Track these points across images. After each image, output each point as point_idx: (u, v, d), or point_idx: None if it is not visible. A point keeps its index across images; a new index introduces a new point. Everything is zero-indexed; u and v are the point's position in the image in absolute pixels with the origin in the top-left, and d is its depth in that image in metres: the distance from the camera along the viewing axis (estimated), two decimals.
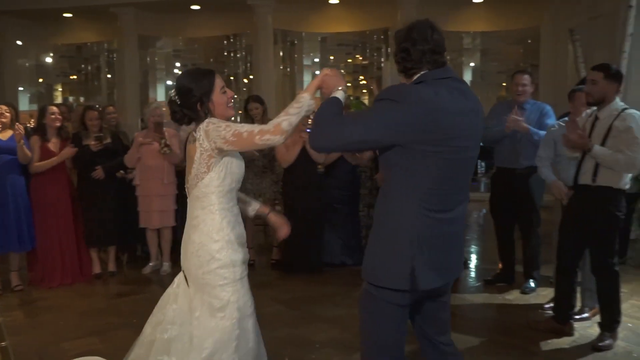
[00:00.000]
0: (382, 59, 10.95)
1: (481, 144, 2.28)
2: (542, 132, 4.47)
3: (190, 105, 2.36)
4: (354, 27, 10.58)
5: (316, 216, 5.40)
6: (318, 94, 2.32)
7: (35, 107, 11.13)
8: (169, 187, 5.43)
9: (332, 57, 11.31)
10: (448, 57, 2.20)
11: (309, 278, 5.05)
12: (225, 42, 11.55)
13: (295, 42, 11.25)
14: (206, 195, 2.35)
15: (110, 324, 4.17)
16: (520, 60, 10.43)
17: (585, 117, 3.72)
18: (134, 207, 5.48)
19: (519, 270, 4.88)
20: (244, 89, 11.21)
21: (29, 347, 3.72)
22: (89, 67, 12.13)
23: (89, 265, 5.42)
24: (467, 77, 10.71)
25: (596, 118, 3.58)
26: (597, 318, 3.80)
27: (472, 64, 11.00)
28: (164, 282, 5.31)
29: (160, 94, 11.69)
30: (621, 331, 3.70)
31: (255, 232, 6.01)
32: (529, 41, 10.29)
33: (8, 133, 4.94)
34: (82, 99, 12.08)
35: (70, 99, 12.26)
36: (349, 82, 10.94)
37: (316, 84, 2.26)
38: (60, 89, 12.43)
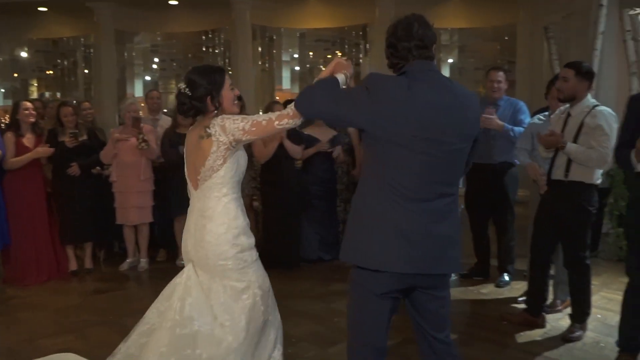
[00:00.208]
0: (361, 55, 10.99)
1: None
2: (517, 128, 4.54)
3: (200, 98, 2.49)
4: (332, 23, 10.58)
5: (294, 212, 5.42)
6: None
7: (10, 102, 10.95)
8: (146, 183, 5.41)
9: (311, 53, 11.31)
10: None
11: (286, 273, 5.07)
12: (203, 37, 11.47)
13: (274, 37, 11.22)
14: (221, 185, 2.50)
15: (86, 321, 4.15)
16: (497, 57, 10.52)
17: (559, 113, 3.79)
18: (111, 204, 5.44)
19: (494, 265, 4.96)
20: None
21: (3, 345, 3.69)
22: (65, 62, 11.96)
23: (65, 263, 5.37)
24: (445, 73, 10.76)
25: (568, 115, 3.65)
26: (569, 310, 3.89)
27: (450, 60, 11.08)
28: (142, 279, 5.32)
29: (138, 90, 11.58)
30: (591, 322, 3.79)
31: None
32: (506, 38, 10.39)
33: None
34: (58, 95, 11.92)
35: (47, 94, 12.09)
36: None
37: (330, 69, 2.37)
38: (36, 84, 12.24)
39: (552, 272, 4.08)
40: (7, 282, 5.13)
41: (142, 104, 6.70)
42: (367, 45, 10.67)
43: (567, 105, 3.70)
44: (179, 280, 2.57)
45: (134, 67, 11.72)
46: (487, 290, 4.72)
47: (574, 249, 3.67)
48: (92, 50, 11.31)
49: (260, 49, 11.05)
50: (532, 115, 4.65)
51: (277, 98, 10.13)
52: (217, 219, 2.49)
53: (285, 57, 11.28)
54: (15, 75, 12.10)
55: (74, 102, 8.84)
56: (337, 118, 2.26)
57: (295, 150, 5.40)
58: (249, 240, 2.56)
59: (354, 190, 2.31)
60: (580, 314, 3.73)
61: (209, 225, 2.49)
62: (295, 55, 11.32)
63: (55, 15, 10.87)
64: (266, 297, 2.60)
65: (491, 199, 4.76)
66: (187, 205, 5.53)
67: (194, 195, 2.58)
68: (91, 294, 4.89)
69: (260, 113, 5.30)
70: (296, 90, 11.20)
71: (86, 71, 11.76)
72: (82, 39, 11.60)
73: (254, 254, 2.58)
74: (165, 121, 5.82)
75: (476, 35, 10.59)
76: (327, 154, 5.62)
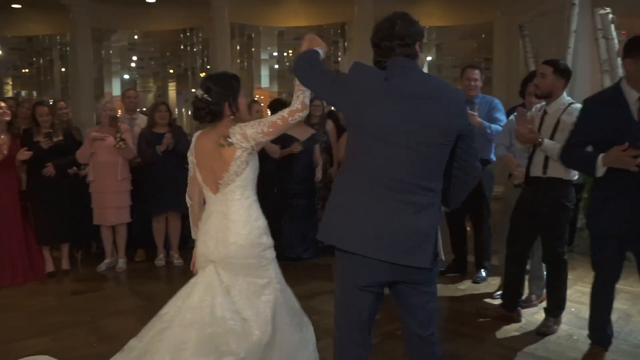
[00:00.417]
0: (340, 53, 11.01)
1: None
2: (494, 126, 4.59)
3: (219, 104, 2.61)
4: (311, 21, 10.58)
5: (274, 211, 5.42)
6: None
7: None
8: (123, 183, 5.38)
9: (290, 51, 11.29)
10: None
11: None
12: (181, 35, 11.39)
13: (253, 36, 11.18)
14: (243, 188, 2.65)
15: (63, 322, 4.11)
16: (474, 55, 10.62)
17: (535, 111, 3.84)
18: (88, 204, 5.39)
19: (471, 261, 5.02)
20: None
21: None
22: (41, 61, 11.77)
23: (42, 264, 5.31)
24: (424, 70, 10.84)
25: (545, 112, 3.69)
26: (544, 304, 3.95)
27: (428, 58, 11.14)
28: (120, 279, 5.28)
29: (115, 88, 11.44)
30: (565, 316, 3.86)
31: None
32: (483, 36, 10.49)
33: None
34: (34, 94, 11.75)
35: (23, 93, 11.90)
36: None
37: (306, 46, 2.50)
38: (11, 83, 12.04)
39: (527, 267, 4.14)
40: None
41: (118, 102, 6.65)
42: (346, 43, 10.69)
43: (543, 103, 3.75)
44: (200, 280, 2.66)
45: (112, 66, 11.58)
46: (465, 286, 4.78)
47: (552, 244, 3.72)
48: (68, 49, 11.16)
49: (238, 47, 11.00)
50: (508, 112, 4.71)
51: (257, 97, 10.12)
52: (241, 220, 2.63)
53: (264, 56, 11.24)
54: None
55: (51, 101, 8.73)
56: (323, 97, 2.49)
57: (272, 149, 5.40)
58: (269, 239, 2.72)
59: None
60: (555, 308, 3.79)
61: (233, 227, 2.61)
62: (274, 54, 11.29)
63: (30, 13, 10.71)
64: (284, 292, 2.77)
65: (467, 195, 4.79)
66: (166, 205, 5.59)
67: (214, 199, 2.68)
68: (68, 295, 4.85)
69: None
70: (275, 89, 11.18)
71: (63, 69, 11.60)
72: (58, 37, 11.44)
73: (273, 252, 2.75)
74: (142, 120, 5.78)
75: (453, 33, 10.67)
76: (306, 152, 5.63)
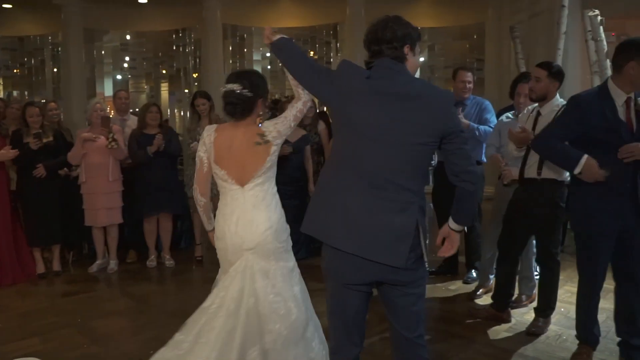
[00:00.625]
0: (332, 54, 11.03)
1: None
2: (483, 127, 4.62)
3: (256, 101, 2.74)
4: (303, 22, 10.61)
5: None
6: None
7: None
8: (114, 184, 5.36)
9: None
10: None
11: None
12: (174, 36, 11.38)
13: (245, 36, 11.18)
14: (271, 179, 2.84)
15: (53, 324, 4.10)
16: (466, 56, 10.66)
17: (527, 113, 3.85)
18: (79, 205, 5.37)
19: (462, 261, 5.04)
20: (196, 84, 11.09)
21: None
22: (33, 61, 11.73)
23: (32, 265, 5.29)
24: (416, 72, 10.87)
25: (538, 114, 3.70)
26: (534, 304, 3.97)
27: (421, 59, 11.19)
28: (111, 280, 5.27)
29: (108, 89, 11.43)
30: (554, 316, 3.88)
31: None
32: (475, 37, 10.54)
33: None
34: (26, 94, 11.70)
35: (15, 93, 11.85)
36: None
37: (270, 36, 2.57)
38: (2, 83, 11.99)
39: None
40: None
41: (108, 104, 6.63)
42: (338, 44, 10.71)
43: (535, 104, 3.77)
44: (239, 269, 2.74)
45: (104, 66, 11.57)
46: (455, 287, 4.79)
47: (546, 245, 3.73)
48: (60, 49, 11.12)
49: (231, 47, 11.00)
50: (499, 113, 4.74)
51: None
52: (272, 208, 2.80)
53: (256, 56, 11.25)
54: None
55: (43, 101, 8.70)
56: (308, 85, 2.45)
57: None
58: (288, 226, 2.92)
59: None
60: (545, 308, 3.81)
61: (265, 214, 2.76)
62: (267, 54, 11.30)
63: (22, 13, 10.69)
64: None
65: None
66: (158, 206, 5.58)
67: (240, 192, 2.77)
68: (59, 296, 4.83)
69: None
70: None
71: (55, 70, 11.56)
72: (49, 37, 11.40)
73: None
74: (134, 121, 5.76)
75: (446, 34, 10.72)
76: (297, 152, 5.63)
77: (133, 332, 3.95)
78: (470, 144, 4.56)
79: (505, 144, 4.19)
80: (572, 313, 3.89)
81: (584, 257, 3.23)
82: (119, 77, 11.70)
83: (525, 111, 3.93)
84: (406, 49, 2.21)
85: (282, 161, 5.61)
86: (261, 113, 2.78)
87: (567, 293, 4.49)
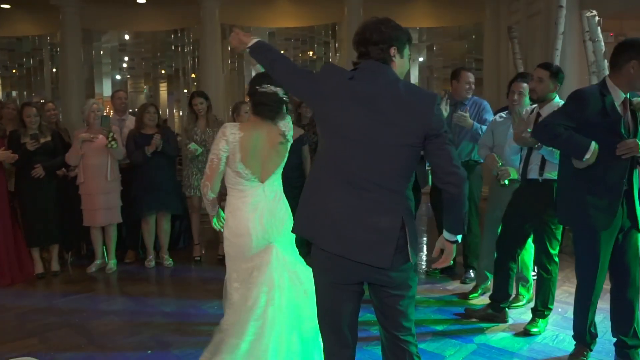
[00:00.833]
0: (330, 54, 11.03)
1: None
2: (484, 127, 4.63)
3: (287, 104, 2.95)
4: (302, 22, 10.61)
5: None
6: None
7: None
8: (113, 184, 5.36)
9: (283, 52, 11.29)
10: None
11: None
12: (172, 36, 11.37)
13: None
14: (279, 173, 3.03)
15: (50, 324, 4.10)
16: (465, 56, 10.68)
17: (526, 114, 3.85)
18: (77, 205, 5.38)
19: (460, 262, 5.05)
20: (195, 84, 11.09)
21: None
22: (31, 61, 11.72)
23: (31, 266, 5.29)
24: (415, 72, 10.90)
25: (538, 115, 3.69)
26: (531, 304, 3.98)
27: (420, 59, 11.19)
28: (109, 280, 5.27)
29: (106, 89, 11.41)
30: (551, 316, 3.88)
31: (203, 227, 5.99)
32: (474, 37, 10.56)
33: None
34: (25, 94, 11.69)
35: (14, 93, 11.85)
36: None
37: (240, 39, 2.57)
38: (0, 83, 11.98)
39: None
40: None
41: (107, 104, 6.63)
42: (337, 44, 10.72)
43: (535, 105, 3.78)
44: (271, 260, 2.84)
45: (102, 66, 11.55)
46: (453, 287, 4.80)
47: (546, 246, 3.73)
48: (58, 49, 11.11)
49: (229, 48, 11.00)
50: (496, 113, 4.75)
51: (247, 98, 10.11)
52: (284, 199, 3.04)
53: None
54: None
55: (42, 101, 8.69)
56: (292, 89, 2.48)
57: None
58: None
59: None
60: (542, 309, 3.81)
61: (283, 205, 3.01)
62: None
63: (20, 13, 10.67)
64: None
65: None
66: (156, 206, 5.59)
67: (261, 187, 2.94)
68: (57, 296, 4.83)
69: (230, 113, 5.31)
70: None
71: (54, 70, 11.55)
72: (48, 38, 11.39)
73: None
74: (132, 121, 5.76)
75: (444, 34, 10.73)
76: (294, 152, 5.61)
77: (131, 332, 3.95)
78: (469, 144, 4.64)
79: (499, 143, 4.20)
80: (569, 313, 3.90)
81: (589, 253, 3.16)
82: (117, 77, 11.69)
83: (524, 112, 3.93)
84: (392, 51, 2.21)
85: None
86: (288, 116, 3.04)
87: (564, 293, 4.50)
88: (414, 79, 10.80)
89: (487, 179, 5.17)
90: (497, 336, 3.76)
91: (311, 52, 11.36)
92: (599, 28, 5.63)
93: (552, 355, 3.44)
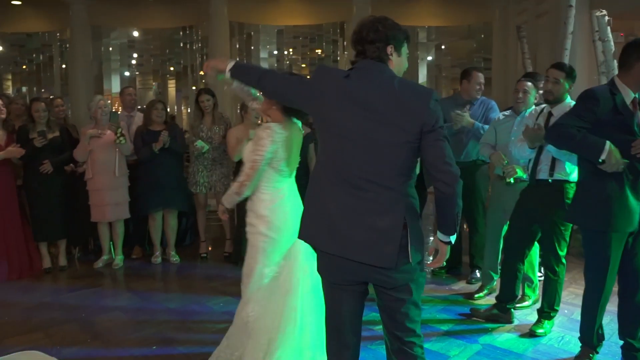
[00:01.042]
0: (339, 52, 11.03)
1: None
2: (487, 126, 4.61)
3: None
4: (310, 20, 10.62)
5: None
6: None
7: None
8: (121, 180, 5.38)
9: (291, 50, 11.32)
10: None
11: None
12: (181, 33, 11.42)
13: (252, 34, 11.20)
14: None
15: (56, 319, 4.12)
16: (473, 55, 10.65)
17: (535, 114, 3.82)
18: (85, 201, 5.40)
19: (466, 261, 5.03)
20: (203, 81, 11.11)
21: None
22: (41, 57, 11.79)
23: (38, 260, 5.32)
24: (423, 71, 10.87)
25: (550, 114, 3.66)
26: (537, 305, 3.96)
27: (429, 58, 11.16)
28: (116, 276, 5.29)
29: (115, 86, 11.47)
30: (557, 317, 3.86)
31: (209, 225, 6.01)
32: (482, 36, 10.52)
33: None
34: (34, 90, 11.75)
35: (24, 89, 11.92)
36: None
37: (213, 65, 2.64)
38: (10, 79, 12.05)
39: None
40: None
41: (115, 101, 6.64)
42: (345, 42, 10.71)
43: (544, 105, 3.75)
44: (302, 249, 2.91)
45: (111, 63, 11.60)
46: (459, 287, 4.78)
47: (554, 247, 3.70)
48: (68, 46, 11.17)
49: (238, 45, 11.03)
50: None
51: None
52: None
53: (263, 54, 11.26)
54: None
55: (51, 97, 8.73)
56: (288, 100, 2.53)
57: None
58: None
59: None
60: (548, 310, 3.79)
61: (300, 197, 3.08)
62: (274, 52, 11.31)
63: (30, 9, 10.73)
64: None
65: (462, 196, 4.80)
66: (162, 202, 5.61)
67: (289, 182, 3.09)
68: (64, 291, 4.85)
69: (238, 111, 5.32)
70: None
71: (63, 66, 11.61)
72: (57, 34, 11.45)
73: None
74: (140, 118, 5.78)
75: (453, 33, 10.70)
76: (302, 150, 5.62)
77: (136, 328, 3.97)
78: (475, 144, 4.62)
79: (502, 141, 4.17)
80: (576, 315, 3.89)
81: (604, 255, 3.11)
82: (126, 73, 11.75)
83: (532, 111, 3.91)
84: (389, 49, 2.19)
85: None
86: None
87: (570, 295, 4.47)
88: (422, 77, 10.78)
89: (492, 178, 5.14)
90: (502, 337, 3.75)
91: (319, 51, 11.36)
92: (608, 28, 5.59)
93: (557, 357, 3.42)
